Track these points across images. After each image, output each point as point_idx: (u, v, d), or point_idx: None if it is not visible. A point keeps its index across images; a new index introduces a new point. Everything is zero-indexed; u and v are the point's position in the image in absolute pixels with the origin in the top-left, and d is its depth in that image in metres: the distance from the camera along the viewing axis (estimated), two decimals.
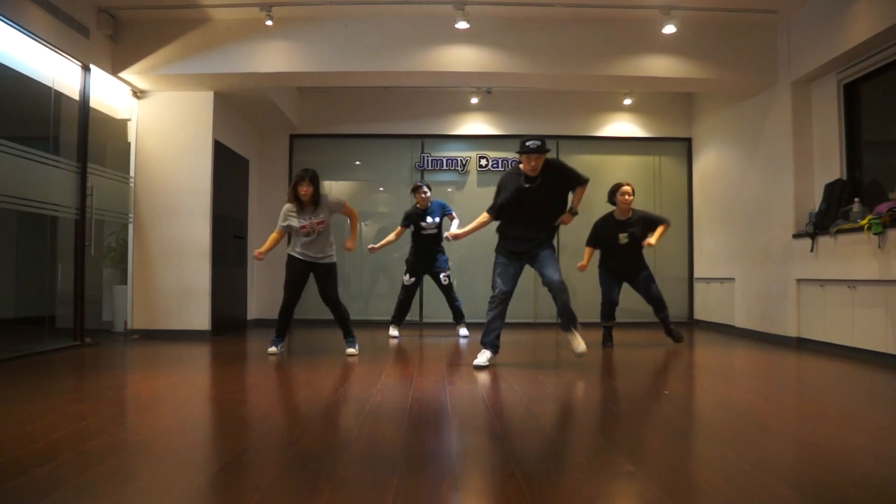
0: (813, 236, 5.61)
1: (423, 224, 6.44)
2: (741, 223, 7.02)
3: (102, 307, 7.04)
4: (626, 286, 5.80)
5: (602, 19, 6.17)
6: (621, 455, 2.43)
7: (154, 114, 6.56)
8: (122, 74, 6.13)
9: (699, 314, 8.11)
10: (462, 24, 5.89)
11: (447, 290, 6.58)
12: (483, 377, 4.14)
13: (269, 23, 5.86)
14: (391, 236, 6.51)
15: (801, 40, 5.88)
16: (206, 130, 6.60)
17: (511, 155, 8.37)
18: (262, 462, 2.32)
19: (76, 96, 5.64)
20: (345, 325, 5.21)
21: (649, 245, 5.61)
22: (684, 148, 8.48)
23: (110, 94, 6.36)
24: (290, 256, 5.15)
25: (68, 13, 5.30)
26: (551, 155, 4.63)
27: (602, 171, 8.38)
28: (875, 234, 4.76)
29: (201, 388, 3.98)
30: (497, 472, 2.22)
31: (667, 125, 8.42)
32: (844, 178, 5.61)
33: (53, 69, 5.35)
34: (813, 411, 3.32)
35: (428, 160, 8.40)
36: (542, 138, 4.51)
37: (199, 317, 6.50)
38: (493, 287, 4.62)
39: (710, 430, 2.99)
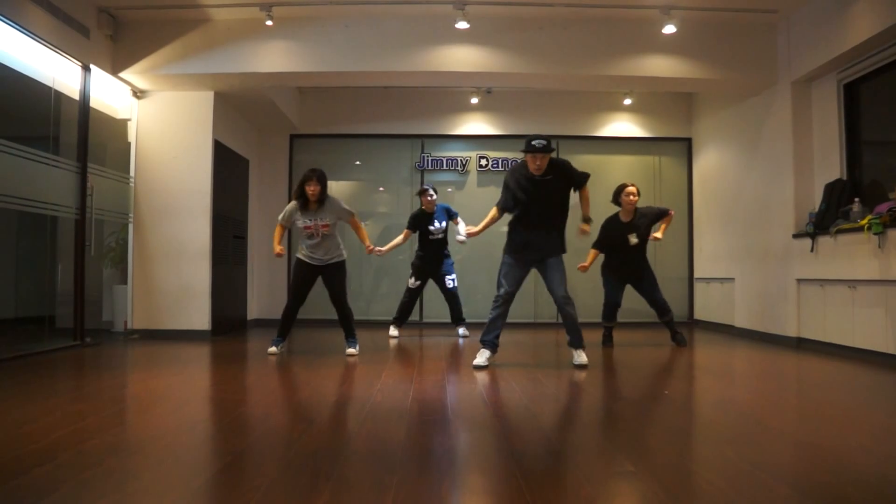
0: (813, 236, 5.61)
1: (430, 229, 6.44)
2: (741, 223, 7.02)
3: (102, 307, 7.04)
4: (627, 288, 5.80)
5: (602, 19, 6.17)
6: (621, 455, 2.43)
7: (154, 114, 6.57)
8: (122, 74, 6.13)
9: (699, 314, 8.11)
10: (462, 24, 5.89)
11: (452, 294, 6.57)
12: (483, 377, 4.14)
13: (269, 23, 5.86)
14: (398, 239, 6.48)
15: (801, 40, 5.88)
16: (206, 130, 6.60)
17: (511, 155, 8.38)
18: (262, 462, 2.32)
19: (76, 96, 5.64)
20: (348, 326, 5.21)
21: (656, 239, 5.60)
22: (684, 148, 8.48)
23: (110, 94, 6.36)
24: (297, 260, 5.17)
25: (68, 13, 5.30)
26: (552, 155, 4.62)
27: (602, 171, 8.38)
28: (875, 234, 4.76)
29: (201, 388, 3.98)
30: (497, 472, 2.22)
31: (667, 125, 8.43)
32: (844, 178, 5.61)
33: (53, 69, 5.35)
34: (813, 411, 3.32)
35: (428, 160, 8.40)
36: (547, 138, 4.49)
37: (199, 317, 6.50)
38: (499, 287, 4.63)
39: (710, 430, 2.99)
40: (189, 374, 4.48)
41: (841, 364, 4.82)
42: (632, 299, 6.10)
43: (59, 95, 5.49)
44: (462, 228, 6.38)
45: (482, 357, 4.54)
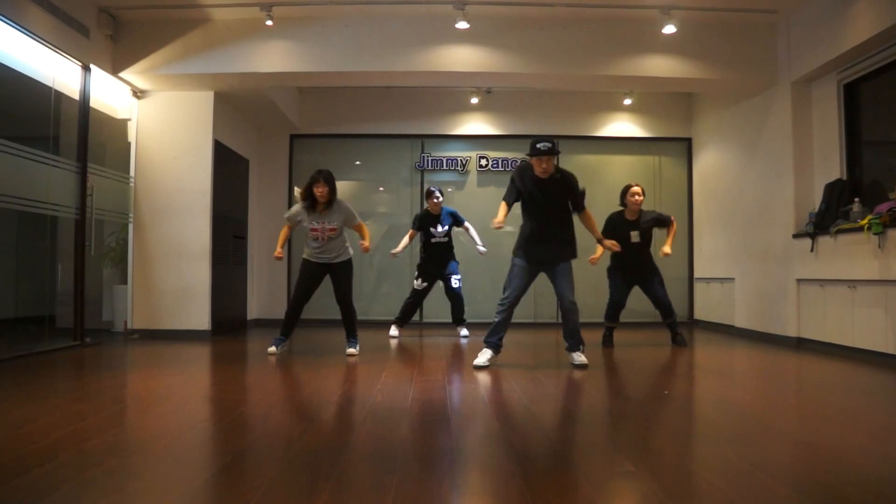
0: (813, 236, 5.61)
1: (432, 231, 6.46)
2: (741, 223, 7.02)
3: (102, 307, 7.04)
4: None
5: (602, 19, 6.17)
6: (621, 455, 2.43)
7: (154, 114, 6.57)
8: (122, 74, 6.13)
9: (699, 314, 8.11)
10: (462, 24, 5.89)
11: (455, 294, 6.57)
12: (483, 377, 4.14)
13: (269, 23, 5.86)
14: (406, 239, 6.58)
15: (801, 40, 5.88)
16: (206, 130, 6.60)
17: (511, 154, 8.38)
18: (262, 462, 2.32)
19: (76, 96, 5.64)
20: (350, 326, 5.22)
21: (666, 255, 5.59)
22: (684, 148, 8.48)
23: (110, 94, 6.36)
24: (304, 260, 5.17)
25: (68, 13, 5.30)
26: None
27: (602, 171, 8.40)
28: (875, 234, 4.76)
29: (201, 388, 3.98)
30: (497, 472, 2.22)
31: (667, 125, 8.43)
32: (844, 178, 5.61)
33: (53, 69, 5.35)
34: (813, 411, 3.32)
35: (428, 160, 8.40)
36: (552, 140, 4.46)
37: (199, 317, 6.50)
38: (505, 290, 4.61)
39: (710, 430, 2.99)
40: (189, 374, 4.48)
41: (841, 364, 4.82)
42: (632, 299, 6.09)
43: (59, 95, 5.49)
44: (476, 237, 6.57)
45: (483, 357, 4.54)
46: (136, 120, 6.56)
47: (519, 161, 8.33)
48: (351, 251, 5.23)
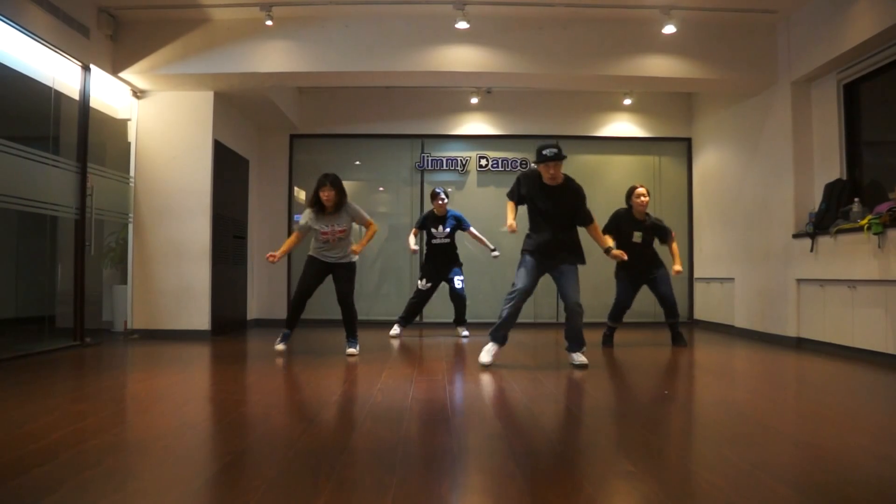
0: (813, 236, 5.61)
1: (434, 232, 6.47)
2: (741, 223, 7.02)
3: (102, 307, 7.04)
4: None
5: (602, 19, 6.17)
6: (621, 455, 2.43)
7: (154, 114, 6.57)
8: (122, 74, 6.13)
9: (699, 314, 8.11)
10: (462, 24, 5.89)
11: (458, 295, 6.57)
12: (483, 377, 4.14)
13: (269, 23, 5.86)
14: (412, 237, 6.62)
15: (801, 40, 5.88)
16: (206, 130, 6.60)
17: (511, 154, 8.39)
18: (262, 462, 2.32)
19: (76, 96, 5.64)
20: (350, 327, 5.21)
21: (678, 272, 5.61)
22: (684, 148, 8.48)
23: (110, 94, 6.36)
24: (309, 257, 5.17)
25: (68, 13, 5.30)
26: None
27: (602, 171, 8.40)
28: (875, 234, 4.76)
29: (201, 388, 3.98)
30: (497, 472, 2.22)
31: (667, 125, 8.43)
32: (844, 178, 5.61)
33: (53, 69, 5.35)
34: (813, 411, 3.32)
35: (428, 160, 8.39)
36: (557, 145, 4.45)
37: (199, 317, 6.50)
38: (514, 284, 4.57)
39: (710, 430, 2.99)
40: (189, 374, 4.48)
41: (841, 364, 4.82)
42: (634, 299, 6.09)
43: (59, 95, 5.49)
44: (487, 242, 6.61)
45: (488, 355, 4.55)
46: (136, 120, 6.56)
47: (521, 163, 8.34)
48: (355, 256, 5.21)
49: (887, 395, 3.80)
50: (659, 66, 6.23)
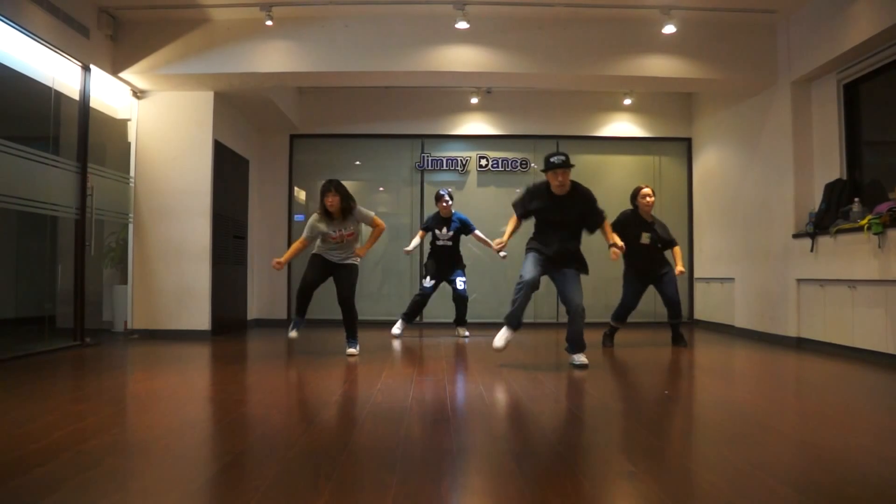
0: (813, 236, 5.61)
1: (437, 233, 6.47)
2: (741, 223, 7.02)
3: (102, 307, 7.05)
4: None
5: (602, 19, 6.17)
6: (621, 455, 2.43)
7: (154, 114, 6.57)
8: (122, 74, 6.13)
9: (699, 314, 8.11)
10: (462, 24, 5.89)
11: (459, 296, 6.57)
12: (483, 377, 4.14)
13: (269, 23, 5.86)
14: (416, 238, 6.65)
15: (801, 40, 5.88)
16: (206, 130, 6.60)
17: (511, 155, 8.39)
18: (262, 462, 2.32)
19: (76, 96, 5.64)
20: (351, 327, 5.20)
21: (681, 273, 5.61)
22: (684, 148, 8.48)
23: (110, 94, 6.36)
24: (313, 255, 5.16)
25: (68, 13, 5.30)
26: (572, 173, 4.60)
27: (602, 171, 8.40)
28: (875, 234, 4.77)
29: (201, 388, 3.98)
30: (497, 473, 2.22)
31: (667, 125, 8.43)
32: (844, 177, 5.61)
33: (53, 69, 5.35)
34: (813, 411, 3.32)
35: (428, 160, 8.40)
36: (564, 153, 4.49)
37: (199, 317, 6.50)
38: (521, 276, 4.58)
39: (710, 430, 2.99)
40: (189, 374, 4.48)
41: (841, 364, 4.82)
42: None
43: (59, 95, 5.49)
44: (493, 244, 6.51)
45: (502, 339, 4.58)
46: (136, 120, 6.56)
47: (521, 163, 8.34)
48: (358, 259, 5.20)
49: (887, 395, 3.80)
50: (659, 65, 6.23)
